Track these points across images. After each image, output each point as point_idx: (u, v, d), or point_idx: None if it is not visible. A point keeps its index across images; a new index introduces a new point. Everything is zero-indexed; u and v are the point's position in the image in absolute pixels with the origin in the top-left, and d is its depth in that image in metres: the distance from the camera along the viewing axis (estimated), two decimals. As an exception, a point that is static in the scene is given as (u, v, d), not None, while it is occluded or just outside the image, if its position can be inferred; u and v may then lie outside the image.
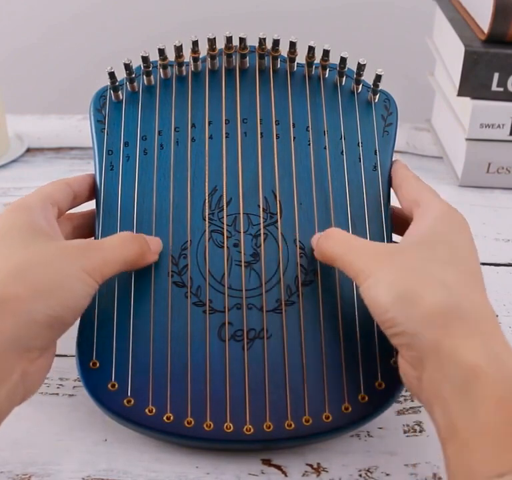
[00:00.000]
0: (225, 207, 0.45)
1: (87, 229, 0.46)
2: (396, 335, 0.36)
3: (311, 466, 0.41)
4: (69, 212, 0.46)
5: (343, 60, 0.48)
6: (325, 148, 0.47)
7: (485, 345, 0.34)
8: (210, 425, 0.39)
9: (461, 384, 0.33)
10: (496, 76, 0.66)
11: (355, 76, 0.49)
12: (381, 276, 0.37)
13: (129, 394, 0.40)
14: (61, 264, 0.37)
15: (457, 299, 0.35)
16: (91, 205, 0.47)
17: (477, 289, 0.37)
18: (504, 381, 0.33)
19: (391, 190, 0.47)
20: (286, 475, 0.40)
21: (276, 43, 0.48)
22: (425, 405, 0.36)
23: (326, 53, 0.48)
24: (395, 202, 0.47)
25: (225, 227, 0.45)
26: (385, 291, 0.36)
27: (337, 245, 0.41)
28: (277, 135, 0.47)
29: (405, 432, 0.43)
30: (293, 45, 0.48)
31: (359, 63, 0.48)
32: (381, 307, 0.37)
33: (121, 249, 0.40)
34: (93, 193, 0.46)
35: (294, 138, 0.47)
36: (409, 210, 0.44)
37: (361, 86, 0.49)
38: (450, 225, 0.40)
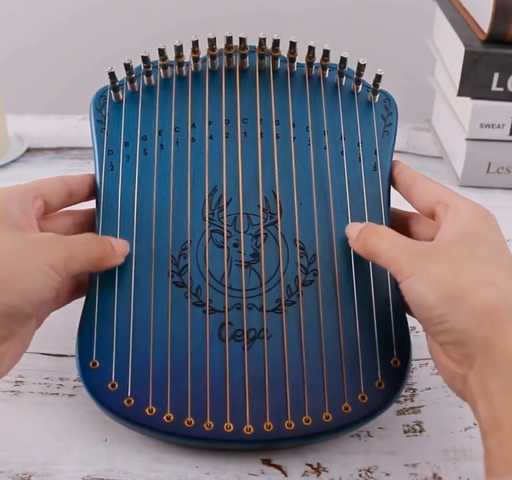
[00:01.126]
0: (224, 206, 0.45)
1: (88, 226, 0.46)
2: (443, 332, 0.37)
3: (310, 466, 0.41)
4: (70, 209, 0.46)
5: (343, 60, 0.48)
6: (325, 148, 0.47)
7: None
8: (210, 424, 0.39)
9: (510, 380, 0.34)
10: (496, 76, 0.66)
11: (355, 76, 0.49)
12: (427, 273, 0.37)
13: (129, 394, 0.40)
14: (24, 255, 0.38)
15: (505, 295, 0.36)
16: (93, 204, 0.47)
17: None
18: None
19: (391, 190, 0.47)
20: (286, 475, 0.40)
21: (276, 43, 0.48)
22: (468, 399, 0.36)
23: (326, 53, 0.48)
24: (394, 203, 0.47)
25: (225, 226, 0.45)
26: (432, 288, 0.37)
27: (382, 241, 0.41)
28: (277, 135, 0.47)
29: (405, 432, 0.43)
30: (293, 45, 0.48)
31: (359, 63, 0.48)
32: (428, 304, 0.37)
33: (85, 247, 0.41)
34: (92, 192, 0.46)
35: (294, 138, 0.47)
36: (429, 210, 0.44)
37: (361, 86, 0.49)
38: (485, 223, 0.41)
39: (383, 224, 0.45)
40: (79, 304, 0.43)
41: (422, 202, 0.45)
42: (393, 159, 0.48)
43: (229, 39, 0.48)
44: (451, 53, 0.71)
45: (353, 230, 0.43)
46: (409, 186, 0.46)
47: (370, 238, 0.42)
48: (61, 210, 0.46)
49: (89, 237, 0.42)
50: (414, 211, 0.46)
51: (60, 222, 0.45)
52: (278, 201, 0.46)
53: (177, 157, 0.47)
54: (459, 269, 0.37)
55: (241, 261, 0.44)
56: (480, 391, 0.35)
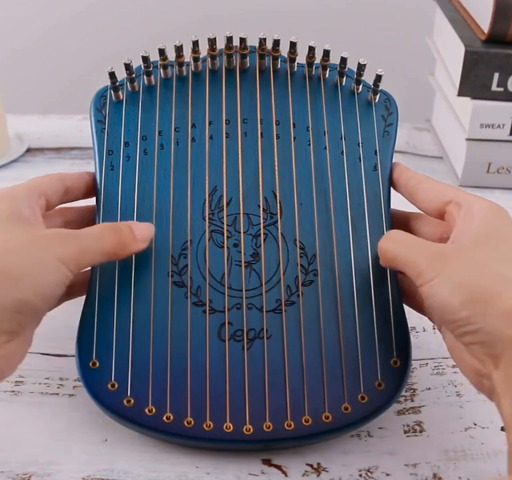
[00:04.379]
0: (225, 206, 0.45)
1: (79, 224, 0.46)
2: (468, 334, 0.36)
3: (311, 466, 0.41)
4: (62, 206, 0.46)
5: (343, 60, 0.48)
6: (325, 148, 0.47)
7: None
8: (210, 424, 0.40)
9: None
10: (496, 76, 0.66)
11: (355, 76, 0.49)
12: (449, 275, 0.37)
13: (128, 394, 0.40)
14: (35, 251, 0.38)
15: None
16: (88, 202, 0.47)
17: None
18: None
19: (391, 190, 0.47)
20: (286, 475, 0.40)
21: (276, 43, 0.48)
22: (492, 397, 0.36)
23: (326, 53, 0.48)
24: (394, 203, 0.47)
25: (225, 227, 0.45)
26: (455, 290, 0.37)
27: (397, 245, 0.41)
28: (277, 135, 0.47)
29: (405, 432, 0.43)
30: (293, 45, 0.48)
31: (359, 63, 0.48)
32: (452, 308, 0.37)
33: (98, 239, 0.40)
34: (88, 190, 0.46)
35: (294, 138, 0.47)
36: (438, 210, 0.43)
37: (361, 86, 0.49)
38: (501, 221, 0.40)
39: (383, 224, 0.45)
40: (79, 304, 0.43)
41: (429, 202, 0.44)
42: (393, 161, 0.48)
43: (229, 39, 0.48)
44: (451, 53, 0.71)
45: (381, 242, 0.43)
46: (414, 187, 0.45)
47: (384, 244, 0.42)
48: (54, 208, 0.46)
49: (102, 227, 0.41)
50: (416, 211, 0.46)
51: (51, 221, 0.45)
52: (278, 201, 0.46)
53: (177, 157, 0.47)
54: (483, 271, 0.37)
55: (240, 261, 0.44)
56: (505, 389, 0.35)
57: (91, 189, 0.46)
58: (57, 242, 0.39)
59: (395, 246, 0.41)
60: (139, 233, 0.42)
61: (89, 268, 0.43)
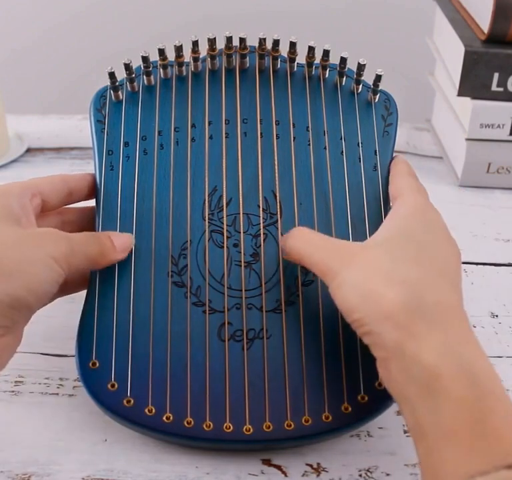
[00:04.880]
0: (224, 207, 0.45)
1: (76, 225, 0.46)
2: (365, 335, 0.36)
3: (310, 466, 0.41)
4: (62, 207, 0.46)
5: (343, 60, 0.48)
6: (325, 148, 0.47)
7: (446, 345, 0.34)
8: (209, 425, 0.39)
9: (424, 386, 0.33)
10: (496, 76, 0.66)
11: (355, 76, 0.49)
12: (347, 276, 0.37)
13: (128, 394, 0.40)
14: (27, 248, 0.38)
15: (418, 297, 0.35)
16: (86, 203, 0.47)
17: (444, 286, 0.37)
18: (464, 382, 0.32)
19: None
20: (286, 475, 0.40)
21: (276, 43, 0.48)
22: (398, 404, 0.36)
23: (326, 53, 0.48)
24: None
25: (224, 227, 0.45)
26: (351, 291, 0.37)
27: (302, 244, 0.41)
28: (276, 135, 0.47)
29: (405, 432, 0.43)
30: (293, 45, 0.48)
31: (359, 63, 0.48)
32: (349, 308, 0.37)
33: (84, 245, 0.41)
34: (91, 191, 0.46)
35: (294, 138, 0.47)
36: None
37: (361, 86, 0.49)
38: (421, 222, 0.40)
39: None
40: (78, 304, 0.43)
41: (392, 198, 0.45)
42: (394, 155, 0.48)
43: (229, 39, 0.48)
44: (451, 53, 0.71)
45: (281, 240, 0.43)
46: (390, 181, 0.46)
47: (290, 243, 0.41)
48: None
49: (86, 235, 0.42)
50: None
51: (48, 221, 0.45)
52: (278, 201, 0.46)
53: (176, 157, 0.47)
54: (376, 271, 0.37)
55: (240, 261, 0.44)
56: (401, 396, 0.35)
57: (94, 190, 0.46)
58: (48, 240, 0.39)
59: (299, 244, 0.41)
60: (118, 244, 0.42)
61: None
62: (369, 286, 0.36)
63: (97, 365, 0.41)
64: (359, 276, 0.37)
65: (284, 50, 0.49)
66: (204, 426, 0.39)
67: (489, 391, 0.32)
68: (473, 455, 0.31)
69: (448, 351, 0.33)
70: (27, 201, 0.42)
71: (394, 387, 0.35)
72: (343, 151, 0.47)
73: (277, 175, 0.46)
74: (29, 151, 0.77)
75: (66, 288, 0.44)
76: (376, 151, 0.48)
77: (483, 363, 0.34)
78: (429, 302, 0.35)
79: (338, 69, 0.49)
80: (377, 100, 0.49)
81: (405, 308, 0.35)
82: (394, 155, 0.48)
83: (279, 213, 0.45)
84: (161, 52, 0.47)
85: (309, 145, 0.47)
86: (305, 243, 0.41)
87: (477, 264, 0.60)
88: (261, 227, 0.45)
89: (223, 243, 0.44)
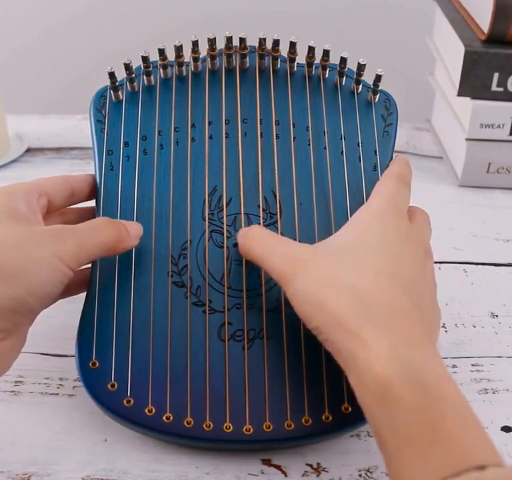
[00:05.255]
0: (224, 207, 0.45)
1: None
2: (324, 342, 0.37)
3: (310, 466, 0.41)
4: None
5: (343, 60, 0.48)
6: (325, 148, 0.47)
7: (393, 350, 0.33)
8: (209, 425, 0.39)
9: (377, 396, 0.33)
10: (496, 76, 0.66)
11: (355, 76, 0.49)
12: (299, 285, 0.37)
13: (128, 394, 0.40)
14: (31, 248, 0.37)
15: (366, 304, 0.35)
16: (86, 203, 0.47)
17: (395, 291, 0.36)
18: (413, 389, 0.32)
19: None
20: (286, 475, 0.40)
21: (276, 43, 0.48)
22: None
23: (326, 53, 0.48)
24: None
25: (224, 227, 0.45)
26: (305, 300, 0.37)
27: (259, 246, 0.40)
28: (276, 135, 0.47)
29: (404, 432, 0.43)
30: (293, 45, 0.48)
31: (359, 63, 0.48)
32: (305, 316, 0.37)
33: (97, 232, 0.40)
34: (93, 192, 0.46)
35: (294, 138, 0.47)
36: None
37: (361, 86, 0.49)
38: (375, 228, 0.40)
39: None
40: (79, 304, 0.43)
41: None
42: (395, 156, 0.48)
43: (229, 39, 0.48)
44: (451, 53, 0.71)
45: (238, 235, 0.42)
46: None
47: (247, 243, 0.41)
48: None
49: (102, 221, 0.41)
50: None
51: (51, 222, 0.45)
52: (278, 201, 0.46)
53: (176, 157, 0.47)
54: (323, 279, 0.37)
55: (240, 261, 0.44)
56: (361, 403, 0.35)
57: (94, 191, 0.46)
58: (54, 238, 0.38)
59: (251, 244, 0.41)
60: (130, 230, 0.42)
61: (86, 266, 0.43)
62: (321, 296, 0.36)
63: (97, 365, 0.41)
64: (310, 285, 0.37)
65: (284, 50, 0.49)
66: (204, 426, 0.39)
67: (440, 395, 0.32)
68: (430, 461, 0.31)
69: (395, 357, 0.33)
70: (33, 200, 0.41)
71: (355, 395, 0.35)
72: (343, 151, 0.47)
73: (276, 174, 0.46)
74: (28, 150, 0.77)
75: (69, 289, 0.44)
76: (376, 150, 0.48)
77: (433, 365, 0.34)
78: (376, 307, 0.35)
79: (338, 68, 0.49)
80: (376, 100, 0.49)
81: (353, 315, 0.35)
82: (394, 155, 0.48)
83: (278, 213, 0.45)
84: (161, 52, 0.47)
85: (309, 144, 0.47)
86: (260, 245, 0.40)
87: (477, 264, 0.60)
88: (261, 227, 0.45)
89: (223, 242, 0.44)
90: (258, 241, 0.41)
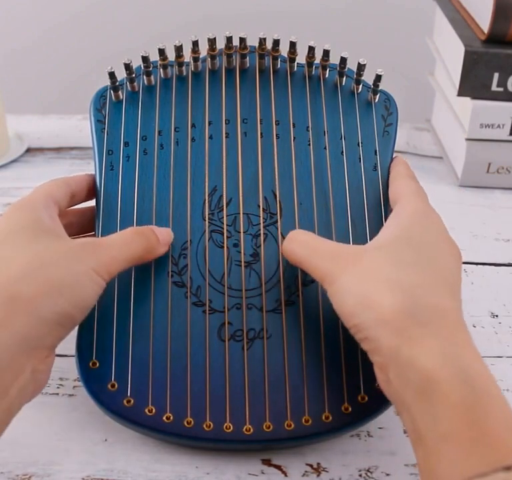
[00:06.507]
0: (224, 206, 0.45)
1: (78, 226, 0.46)
2: (362, 341, 0.37)
3: (310, 466, 0.41)
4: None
5: (343, 60, 0.48)
6: (325, 148, 0.47)
7: (442, 348, 0.33)
8: (210, 425, 0.39)
9: (421, 390, 0.33)
10: (496, 76, 0.66)
11: (355, 76, 0.49)
12: (344, 282, 0.37)
13: (128, 394, 0.40)
14: (71, 263, 0.37)
15: (415, 302, 0.35)
16: (85, 203, 0.47)
17: (442, 290, 0.36)
18: (461, 386, 0.32)
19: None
20: (286, 475, 0.40)
21: (276, 43, 0.48)
22: (395, 408, 0.36)
23: (326, 53, 0.48)
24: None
25: (224, 227, 0.45)
26: (349, 297, 0.36)
27: (301, 247, 0.40)
28: (277, 135, 0.47)
29: (405, 432, 0.43)
30: (293, 45, 0.48)
31: (359, 63, 0.48)
32: (347, 313, 0.37)
33: (129, 246, 0.40)
34: (91, 192, 0.46)
35: (294, 138, 0.47)
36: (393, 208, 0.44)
37: (361, 86, 0.49)
38: (420, 226, 0.40)
39: (382, 224, 0.45)
40: (78, 304, 0.43)
41: (391, 201, 0.44)
42: (393, 156, 0.48)
43: (229, 39, 0.48)
44: (451, 53, 0.71)
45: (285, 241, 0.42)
46: (390, 183, 0.46)
47: (289, 246, 0.41)
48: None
49: (128, 233, 0.41)
50: None
51: None
52: (278, 201, 0.46)
53: (176, 157, 0.47)
54: (374, 276, 0.36)
55: (240, 261, 0.44)
56: (399, 401, 0.35)
57: (93, 191, 0.46)
58: (88, 252, 0.38)
59: (297, 248, 0.41)
60: (161, 237, 0.42)
61: None
62: (366, 292, 0.36)
63: (97, 364, 0.41)
64: (356, 281, 0.37)
65: (284, 50, 0.49)
66: (204, 426, 0.39)
67: (486, 394, 0.32)
68: (471, 458, 0.31)
69: (443, 355, 0.33)
70: (53, 211, 0.41)
71: (391, 391, 0.35)
72: (343, 151, 0.47)
73: (277, 174, 0.46)
74: (28, 150, 0.77)
75: None
76: (376, 150, 0.48)
77: (479, 365, 0.34)
78: (425, 306, 0.35)
79: (338, 68, 0.49)
80: (376, 100, 0.49)
81: (401, 313, 0.35)
82: (394, 155, 0.48)
83: (279, 212, 0.45)
84: (161, 52, 0.47)
85: (309, 144, 0.47)
86: (303, 246, 0.40)
87: (477, 264, 0.60)
88: (261, 227, 0.45)
89: (223, 242, 0.44)
90: (300, 242, 0.41)
